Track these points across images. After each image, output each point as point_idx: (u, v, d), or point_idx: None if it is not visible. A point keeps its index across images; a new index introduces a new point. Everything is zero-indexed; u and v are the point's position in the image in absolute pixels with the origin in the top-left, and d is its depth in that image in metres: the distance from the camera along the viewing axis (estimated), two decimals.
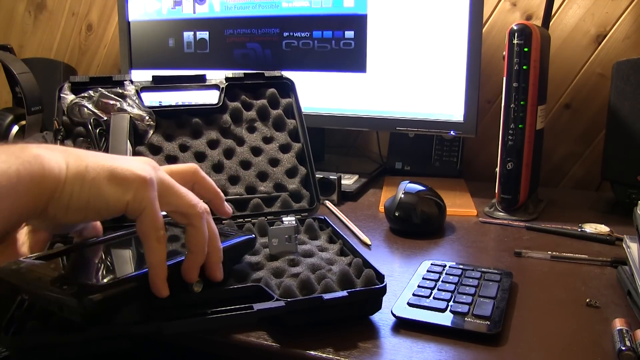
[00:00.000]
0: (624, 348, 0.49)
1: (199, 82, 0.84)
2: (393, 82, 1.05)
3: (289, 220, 0.69)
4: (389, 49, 1.04)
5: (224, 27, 1.14)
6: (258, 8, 1.11)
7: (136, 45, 1.23)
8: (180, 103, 0.85)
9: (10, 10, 1.65)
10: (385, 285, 0.54)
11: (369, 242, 0.78)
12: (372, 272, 0.56)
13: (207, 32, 1.16)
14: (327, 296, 0.52)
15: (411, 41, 1.02)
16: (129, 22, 1.22)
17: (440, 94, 1.02)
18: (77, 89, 0.79)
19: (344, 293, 0.53)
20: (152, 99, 0.83)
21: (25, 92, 1.04)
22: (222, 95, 0.83)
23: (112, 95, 0.78)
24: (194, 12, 1.16)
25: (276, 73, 0.87)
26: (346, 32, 1.06)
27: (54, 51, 1.63)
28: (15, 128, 1.11)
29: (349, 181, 1.04)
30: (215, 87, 0.84)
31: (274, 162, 0.82)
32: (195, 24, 1.17)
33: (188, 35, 1.18)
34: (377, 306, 0.56)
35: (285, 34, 1.10)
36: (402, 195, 0.82)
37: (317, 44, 1.08)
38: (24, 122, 1.09)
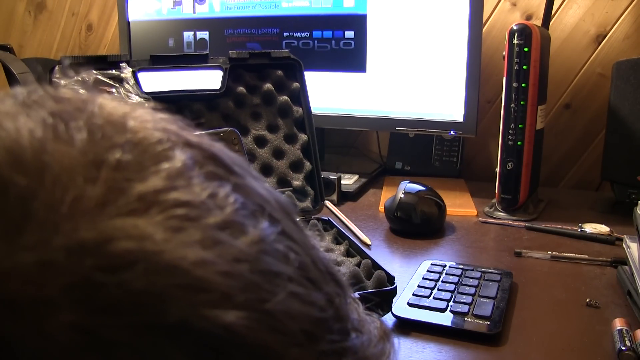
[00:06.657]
0: (624, 348, 0.49)
1: (200, 62, 0.78)
2: (393, 82, 1.05)
3: None
4: (389, 49, 1.04)
5: (224, 27, 1.14)
6: (258, 8, 1.11)
7: (136, 45, 1.23)
8: (181, 87, 0.78)
9: (10, 10, 1.65)
10: (396, 286, 0.54)
11: (369, 242, 0.78)
12: (383, 273, 0.55)
13: (207, 32, 1.16)
14: None
15: (411, 41, 1.02)
16: (129, 22, 1.22)
17: (440, 94, 1.02)
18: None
19: (355, 295, 0.52)
20: (151, 80, 0.77)
21: None
22: (226, 78, 0.78)
23: (108, 81, 0.74)
24: (194, 12, 1.16)
25: (283, 53, 0.81)
26: (346, 32, 1.06)
27: (54, 51, 1.62)
28: None
29: (349, 181, 1.04)
30: (217, 67, 0.79)
31: (279, 154, 0.79)
32: (195, 24, 1.17)
33: (188, 35, 1.18)
34: (388, 308, 0.55)
35: (285, 34, 1.10)
36: (402, 195, 0.82)
37: (317, 44, 1.08)
38: None
